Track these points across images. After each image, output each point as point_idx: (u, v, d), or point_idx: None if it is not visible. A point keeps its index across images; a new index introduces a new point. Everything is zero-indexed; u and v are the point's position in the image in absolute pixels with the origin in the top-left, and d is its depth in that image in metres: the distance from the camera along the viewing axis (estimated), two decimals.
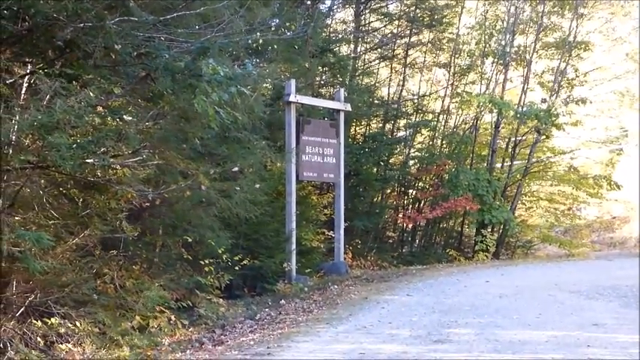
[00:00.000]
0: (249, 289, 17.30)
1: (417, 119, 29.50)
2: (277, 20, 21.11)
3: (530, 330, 11.94)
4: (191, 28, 12.09)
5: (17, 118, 10.89)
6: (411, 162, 29.54)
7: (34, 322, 10.82)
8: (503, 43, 30.03)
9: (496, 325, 12.33)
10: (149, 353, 10.95)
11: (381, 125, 27.68)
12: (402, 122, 28.90)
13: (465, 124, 31.08)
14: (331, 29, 26.82)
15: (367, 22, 27.82)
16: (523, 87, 32.03)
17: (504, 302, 15.76)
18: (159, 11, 11.63)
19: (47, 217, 12.13)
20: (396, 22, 28.78)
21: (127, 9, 11.13)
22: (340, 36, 27.06)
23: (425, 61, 29.85)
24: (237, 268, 16.57)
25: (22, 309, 10.75)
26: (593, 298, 15.97)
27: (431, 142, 30.05)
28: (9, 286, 10.90)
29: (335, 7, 27.25)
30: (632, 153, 42.89)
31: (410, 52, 29.06)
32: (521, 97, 31.67)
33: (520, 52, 30.60)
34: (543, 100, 32.06)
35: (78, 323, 11.22)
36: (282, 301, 16.45)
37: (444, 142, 30.10)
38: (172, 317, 13.20)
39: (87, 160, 11.52)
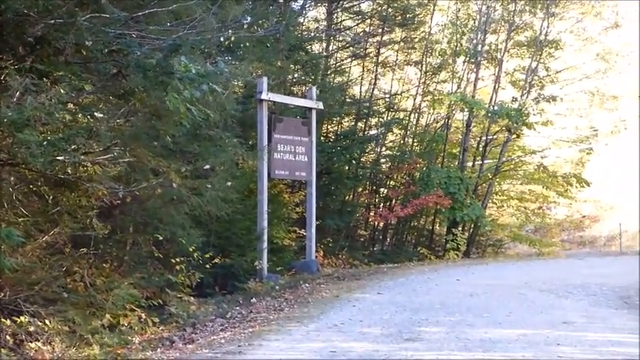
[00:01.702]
0: (220, 287, 17.29)
1: (389, 117, 29.59)
2: (249, 18, 21.17)
3: (500, 328, 11.99)
4: (163, 25, 12.07)
5: None
6: (383, 160, 29.63)
7: (3, 320, 10.80)
8: (474, 41, 30.18)
9: (467, 324, 12.37)
10: (119, 352, 10.92)
11: (352, 123, 27.74)
12: (374, 120, 29.00)
13: (437, 122, 31.21)
14: (303, 27, 26.88)
15: (339, 20, 27.88)
16: (494, 86, 32.20)
17: (475, 301, 15.81)
18: (130, 8, 11.58)
19: (17, 214, 12.09)
20: (368, 21, 28.87)
21: (99, 5, 11.10)
22: (312, 34, 27.11)
23: (397, 59, 29.96)
24: (208, 266, 16.61)
25: None
26: (562, 297, 16.04)
27: (402, 141, 30.14)
28: None
29: (307, 5, 27.30)
30: (602, 152, 43.24)
31: (382, 51, 29.16)
32: (492, 96, 31.84)
33: (491, 51, 30.77)
34: (514, 99, 32.19)
35: (47, 321, 11.18)
36: (253, 300, 16.43)
37: (415, 140, 30.19)
38: (143, 315, 13.17)
39: (57, 158, 11.48)
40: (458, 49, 30.25)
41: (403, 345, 10.50)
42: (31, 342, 10.67)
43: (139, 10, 11.61)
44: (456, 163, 30.85)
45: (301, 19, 27.06)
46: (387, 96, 29.78)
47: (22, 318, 10.94)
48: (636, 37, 37.85)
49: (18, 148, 10.97)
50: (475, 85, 31.00)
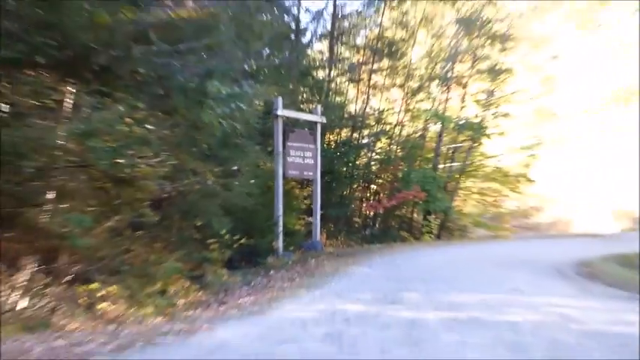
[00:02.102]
0: (246, 262, 17.39)
1: (378, 129, 29.45)
2: (268, 50, 21.20)
3: (465, 294, 12.03)
4: (199, 56, 12.14)
5: (59, 130, 10.92)
6: (373, 163, 29.51)
7: (79, 286, 10.92)
8: (445, 69, 30.10)
9: (438, 291, 12.42)
10: (167, 311, 11.03)
11: (349, 134, 27.61)
12: (366, 132, 28.86)
13: (415, 133, 31.09)
14: (310, 58, 26.75)
15: (339, 52, 27.79)
16: (461, 104, 32.14)
17: (445, 273, 15.87)
18: (174, 42, 11.67)
19: (87, 205, 12.22)
20: (362, 53, 28.76)
21: (149, 40, 11.19)
22: (317, 63, 27.00)
23: (384, 83, 29.82)
24: (235, 245, 16.74)
25: (71, 274, 10.81)
26: (512, 270, 16.07)
27: (388, 148, 30.03)
28: (59, 258, 10.95)
29: (314, 40, 27.26)
30: (544, 157, 43.32)
31: (372, 77, 29.07)
32: (459, 113, 31.80)
33: (459, 77, 30.67)
34: (476, 115, 32.26)
35: (112, 288, 11.33)
36: (272, 272, 16.54)
37: (398, 147, 30.09)
38: (186, 284, 13.35)
39: (118, 161, 11.65)
40: (432, 74, 30.17)
41: (388, 306, 10.55)
42: (100, 303, 10.79)
43: (181, 44, 11.68)
44: (430, 165, 30.82)
45: (309, 51, 26.99)
46: (376, 112, 29.65)
47: (93, 285, 11.09)
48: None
49: (87, 153, 11.05)
50: (446, 104, 30.92)
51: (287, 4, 26.01)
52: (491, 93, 32.07)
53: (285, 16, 25.61)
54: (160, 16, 11.73)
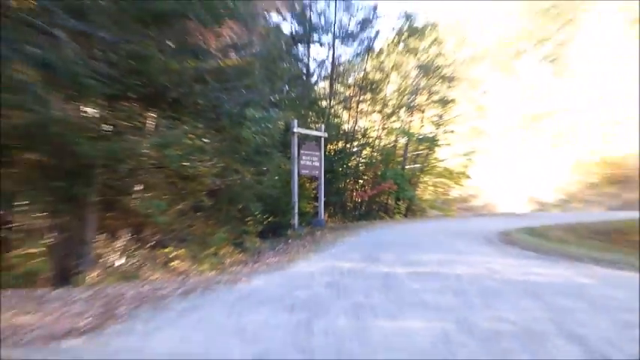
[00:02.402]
0: (272, 234, 17.52)
1: (363, 142, 29.34)
2: (287, 87, 21.31)
3: (425, 255, 12.01)
4: (240, 91, 12.23)
5: (146, 142, 11.00)
6: (360, 165, 29.40)
7: (159, 249, 11.07)
8: (410, 99, 29.99)
9: (406, 253, 12.39)
10: (218, 267, 11.12)
11: (343, 145, 27.49)
12: (355, 143, 28.66)
13: (389, 144, 30.89)
14: (316, 92, 26.65)
15: (336, 88, 27.66)
16: (420, 124, 32.02)
17: (411, 240, 15.83)
18: (222, 82, 11.76)
19: (163, 194, 12.43)
20: (352, 89, 28.66)
21: (206, 80, 11.26)
22: (321, 96, 26.90)
23: (367, 109, 29.70)
24: (265, 222, 17.09)
25: (153, 242, 10.92)
26: (456, 238, 16.03)
27: (371, 154, 29.87)
28: (144, 230, 11.06)
29: (318, 80, 27.21)
30: (477, 161, 43.44)
31: (359, 105, 28.95)
32: (419, 130, 31.73)
33: (419, 105, 30.54)
34: (431, 132, 32.23)
35: (181, 251, 11.45)
36: (290, 241, 16.52)
37: (378, 154, 29.97)
38: (231, 249, 13.53)
39: (184, 163, 11.94)
40: (401, 103, 30.02)
41: (370, 263, 10.55)
42: (172, 262, 10.89)
43: (227, 83, 11.76)
44: (400, 166, 30.70)
45: (315, 88, 26.91)
46: (362, 130, 29.55)
47: (167, 249, 11.23)
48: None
49: (163, 159, 11.13)
50: (410, 124, 30.78)
51: (300, 55, 26.05)
52: (440, 116, 31.96)
53: (299, 64, 25.64)
54: (213, 64, 11.81)
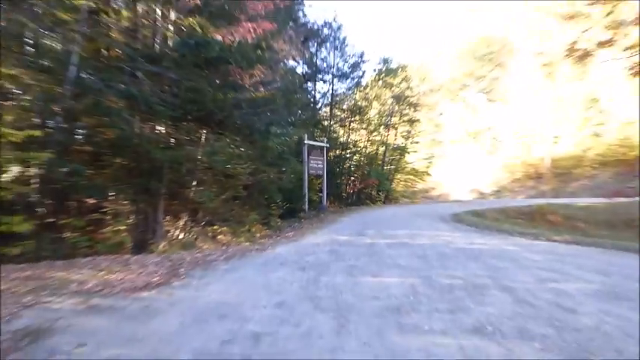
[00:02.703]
0: (289, 216, 17.43)
1: (354, 150, 29.18)
2: (300, 111, 21.23)
3: (399, 230, 11.92)
4: (266, 115, 12.14)
5: (200, 151, 10.94)
6: (352, 167, 29.25)
7: (209, 227, 10.99)
8: (387, 119, 29.81)
9: (385, 229, 12.31)
10: (250, 240, 11.04)
11: (339, 152, 27.35)
12: (348, 151, 28.48)
13: (373, 151, 30.72)
14: (320, 115, 26.49)
15: (334, 112, 27.47)
16: (395, 137, 31.84)
17: (387, 220, 15.74)
18: (254, 107, 11.66)
19: (212, 187, 12.34)
20: (345, 112, 28.45)
21: (242, 107, 11.17)
22: (324, 117, 26.76)
23: (357, 127, 29.49)
24: (284, 207, 16.94)
25: (204, 221, 10.87)
26: (420, 218, 15.96)
27: (360, 159, 29.73)
28: (198, 213, 11.01)
29: (322, 107, 27.10)
30: (436, 162, 43.42)
31: (351, 124, 28.75)
32: (394, 141, 31.55)
33: (393, 124, 30.35)
34: (402, 143, 32.09)
35: (224, 228, 11.39)
36: (302, 221, 16.49)
37: (364, 158, 29.84)
38: (260, 226, 13.48)
39: (227, 166, 11.76)
40: (380, 122, 29.82)
41: (358, 237, 10.46)
42: (218, 236, 10.82)
43: (258, 109, 11.66)
44: (380, 167, 30.59)
45: (320, 112, 26.74)
46: (353, 142, 29.42)
47: (214, 227, 11.17)
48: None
49: (212, 162, 11.07)
50: (387, 137, 30.59)
51: (309, 89, 25.97)
52: (409, 132, 31.76)
53: (308, 95, 25.56)
54: (247, 95, 11.78)
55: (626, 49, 13.94)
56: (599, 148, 30.44)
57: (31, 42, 9.71)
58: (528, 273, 6.03)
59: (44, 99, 8.70)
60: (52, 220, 8.83)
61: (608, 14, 13.76)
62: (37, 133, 7.97)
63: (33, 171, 8.16)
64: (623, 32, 13.80)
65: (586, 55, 14.62)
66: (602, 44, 14.08)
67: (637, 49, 13.63)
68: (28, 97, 8.91)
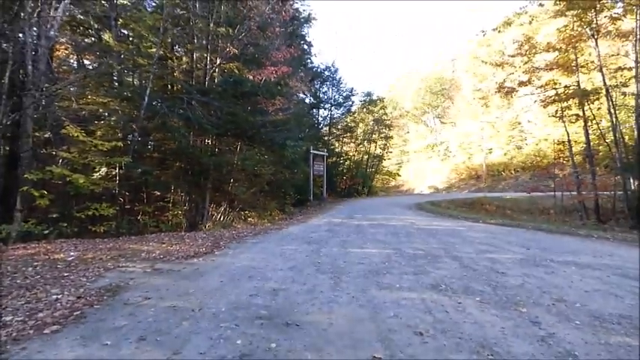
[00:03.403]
0: (300, 204, 17.15)
1: (345, 157, 28.84)
2: (307, 130, 21.01)
3: (377, 215, 11.85)
4: (284, 132, 11.94)
5: (235, 157, 10.80)
6: (344, 169, 28.89)
7: (242, 212, 10.84)
8: (369, 135, 29.63)
9: (369, 214, 12.23)
10: (271, 222, 10.92)
11: (335, 159, 27.03)
12: (341, 158, 28.13)
13: (359, 159, 30.41)
14: (322, 132, 26.25)
15: (332, 130, 27.33)
16: (375, 148, 31.48)
17: (373, 207, 15.63)
18: (275, 127, 11.49)
19: (244, 184, 12.15)
20: (340, 130, 28.23)
21: (267, 126, 11.06)
22: (325, 134, 26.49)
23: (349, 141, 29.33)
24: (295, 198, 16.62)
25: (238, 208, 10.77)
26: (395, 207, 15.88)
27: (350, 164, 29.40)
28: (234, 202, 10.89)
29: (323, 127, 26.90)
30: (405, 167, 43.15)
31: (344, 139, 28.58)
32: (374, 151, 31.25)
33: (374, 138, 30.09)
34: (380, 152, 31.84)
35: (253, 213, 11.23)
36: (309, 208, 16.30)
37: (354, 164, 29.62)
38: (278, 212, 13.24)
39: (255, 168, 11.54)
40: (364, 137, 29.52)
41: (349, 219, 10.37)
42: (248, 219, 10.69)
43: (277, 128, 11.53)
44: (364, 170, 30.33)
45: (322, 130, 26.45)
46: (345, 152, 29.16)
47: (246, 212, 11.01)
48: None
49: (244, 166, 10.92)
50: (370, 148, 30.32)
51: (314, 114, 25.83)
52: (385, 144, 31.42)
53: (313, 118, 25.41)
54: (270, 118, 11.59)
55: (539, 87, 14.11)
56: (520, 157, 30.38)
57: (116, 79, 9.75)
58: (471, 246, 5.94)
59: (125, 120, 8.71)
60: (128, 206, 8.80)
61: (526, 63, 13.91)
62: (120, 144, 7.95)
63: (116, 171, 8.10)
64: (536, 75, 13.94)
65: (511, 91, 14.68)
66: (521, 84, 14.22)
67: (545, 87, 13.83)
68: (114, 119, 8.93)
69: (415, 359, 2.15)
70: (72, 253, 5.04)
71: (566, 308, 3.02)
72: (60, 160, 7.57)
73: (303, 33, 21.46)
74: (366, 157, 30.77)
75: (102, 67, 9.27)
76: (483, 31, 15.60)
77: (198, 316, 2.82)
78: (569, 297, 3.31)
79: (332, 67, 26.23)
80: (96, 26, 9.61)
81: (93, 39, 9.89)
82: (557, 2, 12.02)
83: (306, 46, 21.91)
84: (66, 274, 3.95)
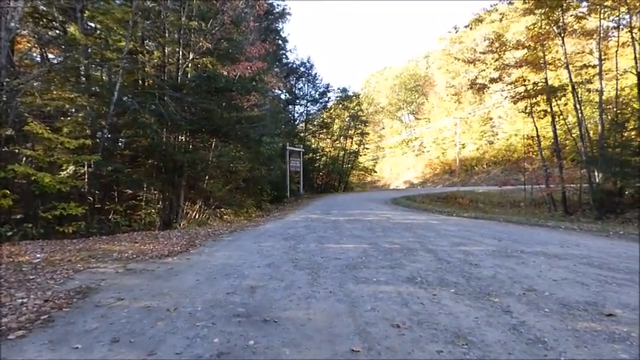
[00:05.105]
0: (276, 201, 17.03)
1: (322, 154, 28.75)
2: (283, 126, 20.88)
3: (354, 210, 11.90)
4: (260, 127, 11.82)
5: (210, 154, 10.63)
6: (320, 165, 28.89)
7: (217, 209, 10.68)
8: (345, 132, 29.77)
9: (345, 210, 12.28)
10: (248, 219, 10.82)
11: (311, 155, 26.92)
12: (317, 154, 28.09)
13: (335, 154, 30.47)
14: (298, 128, 26.21)
15: (307, 126, 27.30)
16: (351, 144, 31.66)
17: (348, 203, 15.68)
18: (251, 123, 11.34)
19: (220, 180, 11.97)
20: (316, 126, 28.10)
21: (242, 123, 10.91)
22: (301, 130, 26.43)
23: (325, 137, 29.30)
24: (272, 195, 16.44)
25: (214, 205, 10.60)
26: (370, 202, 16.00)
27: (326, 160, 29.42)
28: (210, 200, 10.71)
29: (299, 123, 26.86)
30: (380, 163, 43.59)
31: (320, 135, 28.60)
32: (350, 147, 31.31)
33: (350, 134, 30.20)
34: (356, 149, 32.00)
35: (229, 210, 11.09)
36: (286, 204, 16.26)
37: (329, 159, 29.62)
38: (255, 209, 13.11)
39: (230, 165, 11.41)
40: (340, 134, 29.62)
41: (325, 215, 10.40)
42: (224, 216, 10.55)
43: (253, 124, 11.40)
44: (340, 165, 30.45)
45: (298, 127, 26.39)
46: (321, 148, 29.15)
47: (221, 209, 10.88)
48: None
49: (220, 162, 10.78)
50: (346, 144, 30.42)
51: (290, 110, 25.71)
52: (361, 141, 31.49)
53: (289, 115, 25.29)
54: (245, 114, 11.41)
55: (509, 84, 14.50)
56: (492, 152, 31.16)
57: (84, 73, 9.37)
58: (445, 239, 6.06)
59: (94, 116, 8.40)
60: (99, 205, 8.52)
61: (497, 60, 14.27)
62: (88, 141, 7.66)
63: (84, 169, 7.81)
64: (507, 72, 14.33)
65: (482, 87, 15.02)
66: (492, 80, 14.58)
67: (515, 84, 14.21)
68: (81, 115, 8.58)
69: (392, 351, 2.18)
70: (38, 255, 4.83)
71: (536, 297, 3.12)
72: (23, 159, 7.24)
73: (278, 28, 21.27)
74: (342, 153, 30.84)
75: (67, 61, 8.86)
76: (455, 28, 15.98)
77: (173, 315, 2.76)
78: (539, 286, 3.43)
79: (307, 63, 26.21)
80: (60, 18, 9.17)
81: (57, 31, 9.45)
82: (526, 0, 12.40)
83: (281, 42, 21.72)
84: (32, 277, 3.79)
